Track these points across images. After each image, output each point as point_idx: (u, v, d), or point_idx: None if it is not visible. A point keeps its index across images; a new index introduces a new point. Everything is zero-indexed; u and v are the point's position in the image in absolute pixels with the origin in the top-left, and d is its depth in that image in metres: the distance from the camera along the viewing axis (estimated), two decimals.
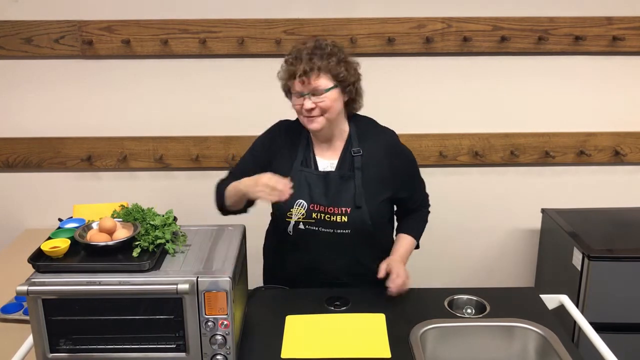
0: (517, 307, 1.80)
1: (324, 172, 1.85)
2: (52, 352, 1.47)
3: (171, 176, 2.85)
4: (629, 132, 2.80)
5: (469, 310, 1.81)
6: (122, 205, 1.70)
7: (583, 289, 2.34)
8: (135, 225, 1.57)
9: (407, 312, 1.77)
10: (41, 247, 1.49)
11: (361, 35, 2.64)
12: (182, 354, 1.49)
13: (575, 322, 1.81)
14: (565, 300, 1.88)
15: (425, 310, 1.78)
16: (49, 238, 1.54)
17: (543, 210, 2.80)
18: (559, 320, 1.76)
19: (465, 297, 1.85)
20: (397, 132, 2.76)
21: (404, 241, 1.97)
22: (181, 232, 1.65)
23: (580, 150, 2.80)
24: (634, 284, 2.32)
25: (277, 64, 2.73)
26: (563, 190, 2.88)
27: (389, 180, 1.87)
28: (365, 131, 1.90)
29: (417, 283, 2.97)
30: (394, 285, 1.80)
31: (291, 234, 1.86)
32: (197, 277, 1.44)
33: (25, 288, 1.40)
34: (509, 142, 2.80)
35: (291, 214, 1.84)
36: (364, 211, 1.82)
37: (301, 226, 1.84)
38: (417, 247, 2.05)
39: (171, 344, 1.48)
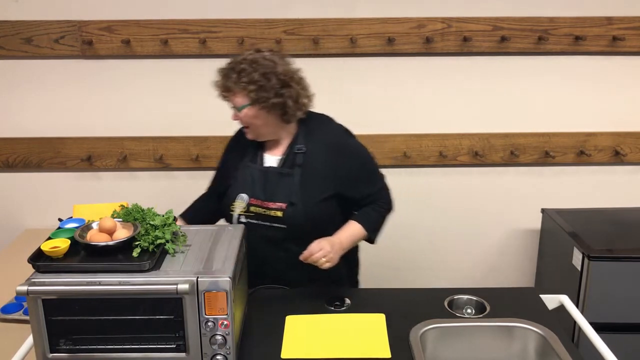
0: (517, 307, 1.80)
1: (265, 167, 1.90)
2: (52, 352, 1.47)
3: (171, 176, 2.85)
4: (629, 132, 2.80)
5: (469, 310, 1.81)
6: (122, 205, 1.70)
7: (583, 289, 2.34)
8: (135, 225, 1.57)
9: (407, 312, 1.77)
10: (41, 247, 1.49)
11: (361, 35, 2.64)
12: (182, 354, 1.49)
13: (575, 322, 1.81)
14: (565, 300, 1.88)
15: (425, 310, 1.78)
16: (49, 238, 1.54)
17: (543, 210, 2.80)
18: (559, 320, 1.76)
19: (465, 297, 1.85)
20: (397, 132, 2.78)
21: (347, 226, 1.90)
22: (181, 232, 1.65)
23: (580, 150, 2.80)
24: (634, 284, 2.32)
25: None
26: (563, 190, 2.88)
27: (331, 179, 1.87)
28: (314, 129, 1.91)
29: (417, 283, 2.99)
30: (307, 250, 1.76)
31: None
32: (197, 277, 1.44)
33: (25, 288, 1.40)
34: (509, 142, 2.80)
35: (233, 207, 1.90)
36: (298, 208, 1.83)
37: (242, 219, 1.89)
38: (372, 241, 1.99)
39: (171, 344, 1.48)
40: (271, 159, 1.92)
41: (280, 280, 1.93)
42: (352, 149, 1.94)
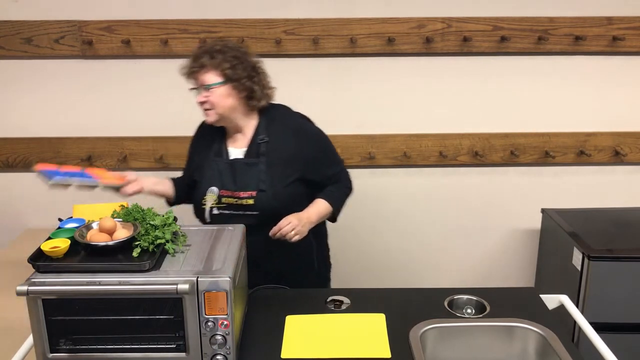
0: (517, 307, 1.80)
1: (232, 159, 1.98)
2: (52, 352, 1.47)
3: (171, 176, 2.85)
4: (629, 132, 2.80)
5: (469, 310, 1.81)
6: (122, 205, 1.70)
7: (583, 289, 2.34)
8: (135, 225, 1.57)
9: (407, 312, 1.77)
10: (41, 247, 1.49)
11: (361, 35, 2.64)
12: (182, 354, 1.49)
13: (575, 322, 1.81)
14: (565, 300, 1.88)
15: (425, 310, 1.78)
16: (49, 238, 1.54)
17: (543, 210, 2.80)
18: (559, 320, 1.76)
19: (465, 297, 1.85)
20: (398, 132, 2.78)
21: (314, 203, 2.00)
22: (181, 232, 1.65)
23: (580, 150, 2.80)
24: (634, 284, 2.32)
25: (277, 64, 2.73)
26: (563, 190, 2.88)
27: (295, 163, 1.96)
28: (274, 119, 2.00)
29: (417, 283, 2.99)
30: (276, 226, 1.86)
31: (208, 220, 1.97)
32: (197, 277, 1.44)
33: (25, 288, 1.40)
34: (509, 142, 2.80)
35: (205, 201, 1.96)
36: (268, 194, 1.92)
37: (215, 211, 1.96)
38: (334, 219, 2.08)
39: (171, 344, 1.48)
40: (236, 152, 1.99)
41: (257, 267, 1.97)
42: (311, 134, 2.03)
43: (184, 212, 1.97)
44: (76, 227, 1.60)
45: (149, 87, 2.71)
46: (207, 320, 1.46)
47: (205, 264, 1.51)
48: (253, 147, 1.96)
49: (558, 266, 2.60)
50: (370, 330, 1.69)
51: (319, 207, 1.99)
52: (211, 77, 1.87)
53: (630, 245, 2.44)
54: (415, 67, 2.71)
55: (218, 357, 1.49)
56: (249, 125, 1.98)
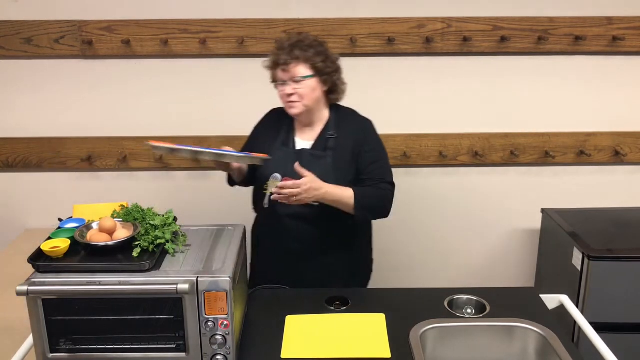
0: (517, 307, 1.80)
1: (299, 149, 2.03)
2: (52, 352, 1.48)
3: (171, 176, 2.85)
4: (629, 132, 2.80)
5: (469, 310, 1.82)
6: (122, 205, 1.70)
7: (583, 289, 2.34)
8: (135, 225, 1.57)
9: (407, 312, 1.77)
10: (41, 247, 1.49)
11: (361, 35, 2.64)
12: (182, 354, 1.49)
13: (575, 322, 1.81)
14: (565, 300, 1.88)
15: (425, 310, 1.78)
16: (49, 238, 1.55)
17: (543, 210, 2.80)
18: (559, 320, 1.76)
19: (465, 297, 1.85)
20: (398, 132, 2.79)
21: (343, 187, 1.95)
22: (181, 232, 1.65)
23: (580, 150, 2.80)
24: (634, 284, 2.32)
25: None
26: (563, 190, 2.88)
27: (354, 162, 2.02)
28: (344, 118, 2.07)
29: (417, 283, 2.99)
30: (291, 182, 1.84)
31: (267, 206, 2.02)
32: (197, 277, 1.44)
33: (25, 288, 1.40)
34: (509, 142, 2.80)
35: (267, 186, 1.99)
36: None
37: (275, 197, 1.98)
38: (354, 217, 1.97)
39: (171, 344, 1.48)
40: (304, 143, 2.04)
41: (305, 255, 2.03)
42: (371, 136, 2.08)
43: (184, 212, 1.97)
44: (76, 227, 1.60)
45: (149, 87, 2.71)
46: (207, 320, 1.46)
47: (205, 264, 1.51)
48: (321, 141, 2.01)
49: (558, 266, 2.60)
50: (370, 330, 1.69)
51: (341, 192, 1.93)
52: (302, 70, 1.92)
53: (630, 245, 2.44)
54: (415, 67, 2.71)
55: (218, 357, 1.49)
56: (321, 119, 2.04)
